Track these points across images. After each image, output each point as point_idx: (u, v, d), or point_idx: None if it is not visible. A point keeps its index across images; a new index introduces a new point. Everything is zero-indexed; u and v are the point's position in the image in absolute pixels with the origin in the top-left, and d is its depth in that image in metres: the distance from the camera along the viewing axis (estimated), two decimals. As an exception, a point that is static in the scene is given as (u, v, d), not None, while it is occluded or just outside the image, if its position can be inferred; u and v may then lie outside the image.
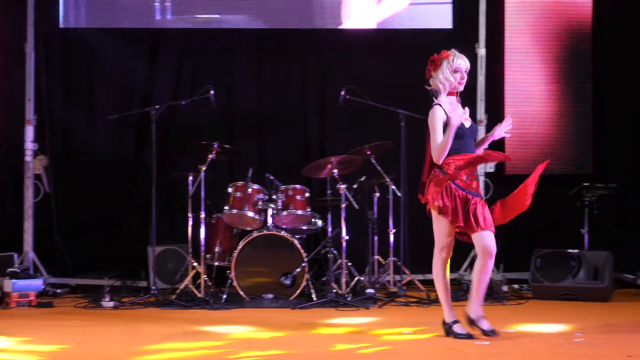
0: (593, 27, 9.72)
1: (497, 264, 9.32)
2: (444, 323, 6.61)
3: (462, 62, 6.52)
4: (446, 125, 6.37)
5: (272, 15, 9.74)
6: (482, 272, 6.48)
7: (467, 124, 6.50)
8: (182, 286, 8.54)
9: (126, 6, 9.64)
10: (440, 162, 6.40)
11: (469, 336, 6.46)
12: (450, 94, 6.50)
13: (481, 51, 9.65)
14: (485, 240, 6.43)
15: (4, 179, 9.71)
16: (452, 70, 6.47)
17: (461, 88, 6.55)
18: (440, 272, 6.65)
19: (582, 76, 9.73)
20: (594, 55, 9.74)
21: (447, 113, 6.38)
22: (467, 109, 6.46)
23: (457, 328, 6.53)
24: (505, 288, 9.06)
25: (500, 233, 9.49)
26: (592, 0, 9.70)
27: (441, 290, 6.62)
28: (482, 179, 9.54)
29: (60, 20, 9.66)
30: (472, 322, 6.54)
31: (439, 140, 6.38)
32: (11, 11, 9.53)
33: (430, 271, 9.49)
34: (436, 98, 6.50)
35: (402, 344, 6.56)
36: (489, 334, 6.43)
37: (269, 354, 6.13)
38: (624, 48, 9.74)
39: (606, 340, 6.56)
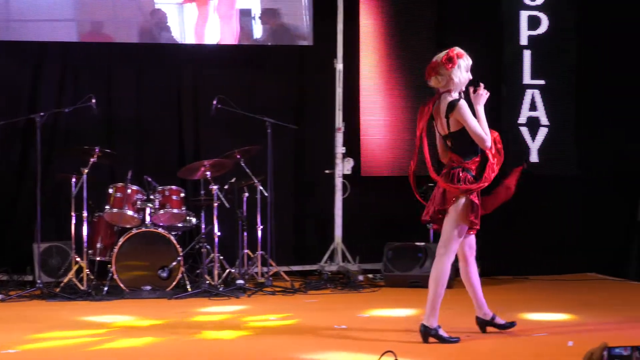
0: (438, 45, 9.92)
1: (353, 256, 9.46)
2: (428, 328, 5.96)
3: (471, 63, 6.06)
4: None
5: (146, 31, 9.64)
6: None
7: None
8: (65, 280, 8.34)
9: (12, 20, 9.37)
10: (490, 145, 5.90)
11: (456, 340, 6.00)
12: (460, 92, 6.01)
13: (339, 66, 9.74)
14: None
15: None
16: (467, 69, 6.01)
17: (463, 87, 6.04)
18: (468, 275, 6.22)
19: (428, 91, 9.89)
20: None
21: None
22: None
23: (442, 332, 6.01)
24: (361, 277, 9.17)
25: (357, 229, 9.74)
26: (435, 23, 9.94)
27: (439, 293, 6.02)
28: (339, 180, 9.66)
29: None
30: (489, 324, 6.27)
31: (479, 130, 5.88)
32: None
33: (295, 263, 9.53)
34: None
35: (267, 329, 6.58)
36: (508, 326, 6.24)
37: (147, 340, 6.07)
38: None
39: (447, 322, 6.71)
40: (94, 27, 9.59)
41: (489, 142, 5.92)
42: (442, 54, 6.04)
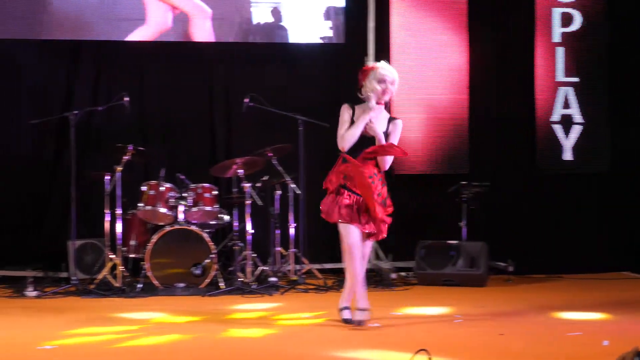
0: (470, 43, 9.93)
1: (386, 254, 9.48)
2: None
3: (387, 74, 6.49)
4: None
5: (181, 29, 9.69)
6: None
7: (378, 131, 6.42)
8: (100, 277, 8.43)
9: (44, 19, 9.45)
10: (345, 150, 6.43)
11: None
12: (378, 103, 6.46)
13: (370, 64, 9.74)
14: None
15: None
16: (377, 80, 6.44)
17: (386, 98, 6.50)
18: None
19: (459, 89, 9.91)
20: (470, 71, 9.93)
21: (354, 112, 6.48)
22: (378, 115, 6.44)
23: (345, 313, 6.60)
24: (393, 275, 9.17)
25: (391, 226, 9.71)
26: (467, 20, 9.91)
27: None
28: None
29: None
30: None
31: (342, 131, 6.46)
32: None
33: (327, 261, 9.57)
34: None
35: (300, 327, 6.61)
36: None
37: (179, 337, 6.11)
38: (496, 68, 9.98)
39: (482, 320, 6.72)
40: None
41: (341, 146, 6.46)
42: None
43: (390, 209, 6.57)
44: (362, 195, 6.37)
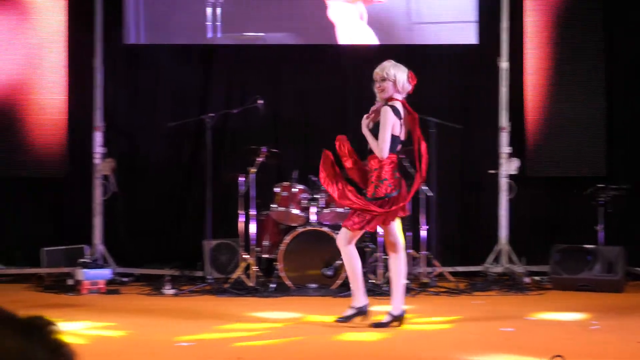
0: (605, 40, 9.66)
1: (520, 258, 9.31)
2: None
3: (375, 72, 6.73)
4: None
5: (312, 33, 9.75)
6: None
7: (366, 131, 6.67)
8: (234, 276, 8.59)
9: (182, 25, 9.70)
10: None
11: None
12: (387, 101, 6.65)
13: (503, 64, 9.61)
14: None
15: (75, 180, 9.79)
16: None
17: (383, 95, 6.70)
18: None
19: (594, 89, 9.66)
20: (606, 70, 9.66)
21: None
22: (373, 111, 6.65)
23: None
24: (527, 279, 9.00)
25: (523, 230, 9.58)
26: (602, 17, 9.65)
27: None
28: (504, 180, 9.53)
29: (124, 38, 9.72)
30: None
31: None
32: (81, 32, 9.62)
33: (459, 264, 9.51)
34: None
35: (432, 330, 6.57)
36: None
37: (311, 337, 6.16)
38: (635, 64, 9.68)
39: (619, 327, 6.53)
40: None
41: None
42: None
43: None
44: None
